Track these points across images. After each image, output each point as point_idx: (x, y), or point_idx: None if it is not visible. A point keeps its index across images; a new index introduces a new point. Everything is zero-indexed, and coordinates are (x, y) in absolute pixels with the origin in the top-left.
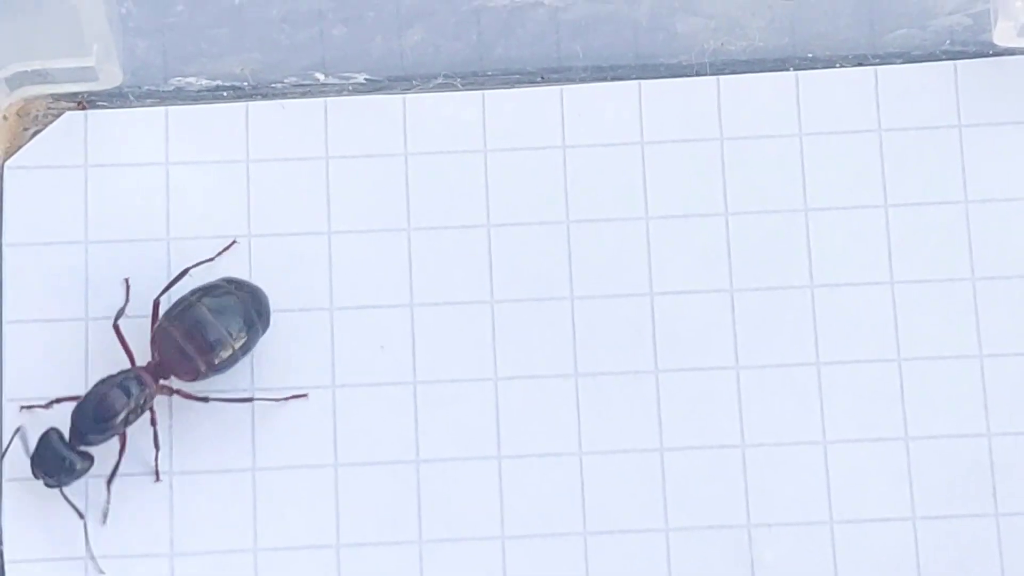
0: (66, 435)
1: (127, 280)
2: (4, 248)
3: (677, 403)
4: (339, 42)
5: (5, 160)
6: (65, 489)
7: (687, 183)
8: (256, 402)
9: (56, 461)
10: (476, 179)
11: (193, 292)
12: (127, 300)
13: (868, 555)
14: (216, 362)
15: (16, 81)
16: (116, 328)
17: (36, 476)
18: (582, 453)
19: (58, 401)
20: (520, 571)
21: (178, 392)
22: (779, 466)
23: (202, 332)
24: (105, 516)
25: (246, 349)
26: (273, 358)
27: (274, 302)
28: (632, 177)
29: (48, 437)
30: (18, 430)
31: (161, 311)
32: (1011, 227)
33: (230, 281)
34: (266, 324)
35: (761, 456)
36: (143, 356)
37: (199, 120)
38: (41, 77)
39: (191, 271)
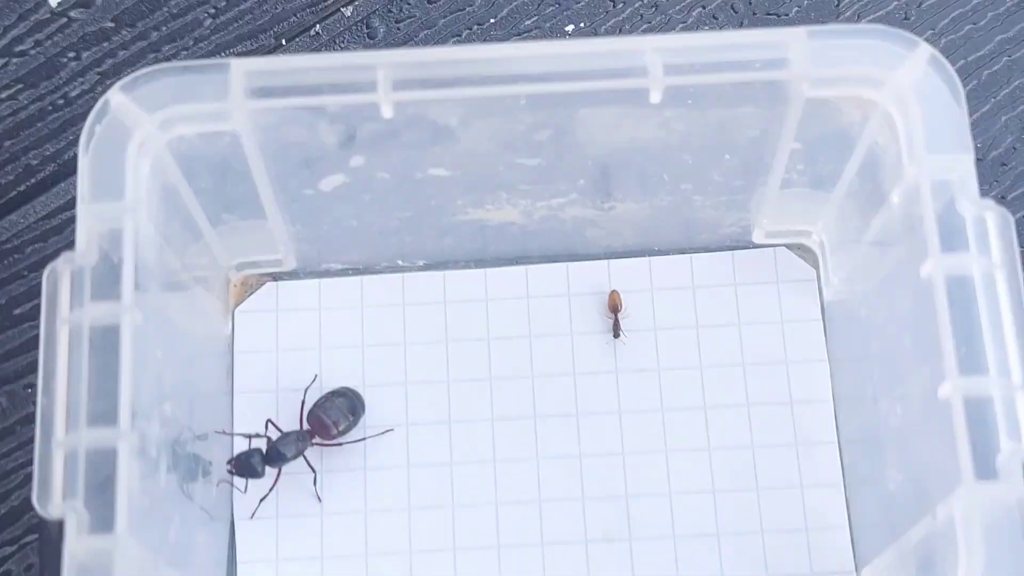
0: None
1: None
2: (236, 354)
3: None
4: (409, 244)
5: (235, 308)
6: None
7: (591, 318)
8: (368, 440)
9: (251, 470)
10: (481, 316)
11: (332, 392)
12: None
13: (690, 509)
14: (341, 429)
15: (241, 267)
16: (303, 404)
17: (229, 465)
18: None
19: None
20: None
21: (321, 444)
22: (644, 464)
23: (331, 413)
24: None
25: (356, 422)
26: (377, 419)
27: (381, 380)
28: (562, 318)
29: (252, 452)
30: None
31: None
32: (762, 334)
33: (347, 388)
34: (364, 409)
35: (634, 460)
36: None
37: (337, 287)
38: (254, 265)
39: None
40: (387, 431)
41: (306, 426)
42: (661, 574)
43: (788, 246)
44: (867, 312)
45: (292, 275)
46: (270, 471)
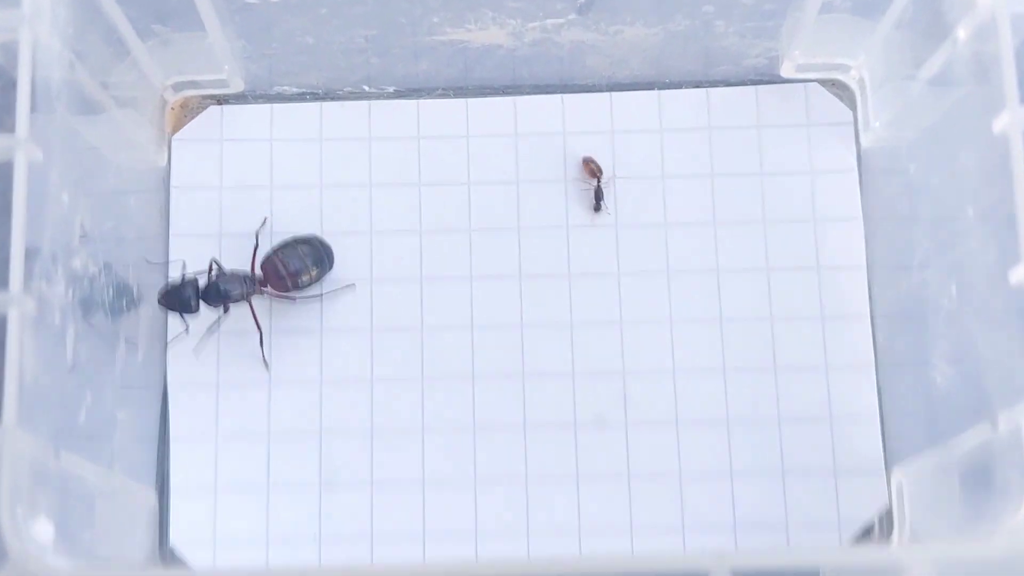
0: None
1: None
2: (171, 190)
3: (584, 293)
4: (376, 67)
5: (172, 135)
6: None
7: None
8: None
9: (179, 299)
10: (460, 154)
11: (295, 238)
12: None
13: (695, 392)
14: (301, 283)
15: (179, 88)
16: (255, 248)
17: (159, 300)
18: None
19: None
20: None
21: (271, 294)
22: (644, 336)
23: (292, 262)
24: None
25: (319, 277)
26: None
27: (337, 227)
28: (555, 156)
29: (187, 282)
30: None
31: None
32: (788, 188)
33: (314, 236)
34: (332, 264)
35: (633, 331)
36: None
37: (291, 113)
38: (194, 86)
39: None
40: (347, 287)
41: (258, 273)
42: (659, 464)
43: (822, 82)
44: (917, 168)
45: (239, 98)
46: (207, 314)
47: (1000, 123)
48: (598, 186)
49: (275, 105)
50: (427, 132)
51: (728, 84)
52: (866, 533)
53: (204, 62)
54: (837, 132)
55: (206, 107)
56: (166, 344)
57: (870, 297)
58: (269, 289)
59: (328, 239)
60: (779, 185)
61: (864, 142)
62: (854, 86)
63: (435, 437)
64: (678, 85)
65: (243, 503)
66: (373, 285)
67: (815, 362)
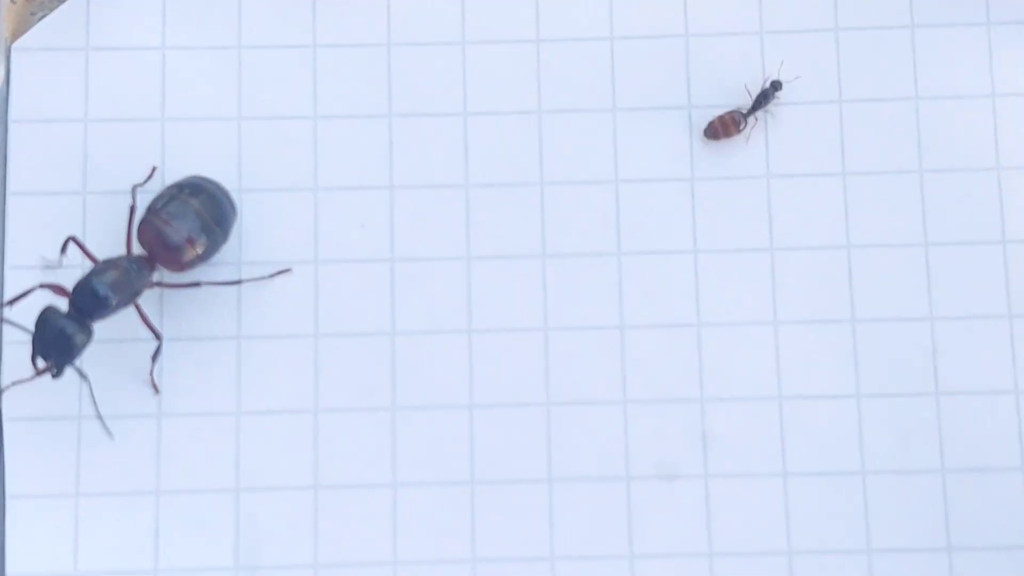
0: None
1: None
2: (10, 124)
3: (638, 284)
4: None
5: (12, 42)
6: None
7: (651, 77)
8: (245, 283)
9: (57, 334)
10: (455, 69)
11: (176, 185)
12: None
13: (814, 430)
14: (199, 251)
15: None
16: (131, 212)
17: (35, 357)
18: (547, 328)
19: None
20: (486, 436)
21: (168, 285)
22: (732, 345)
23: (179, 222)
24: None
25: (222, 239)
26: (261, 235)
27: (263, 180)
28: (600, 69)
29: (46, 314)
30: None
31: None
32: (956, 122)
33: (202, 179)
34: (235, 213)
35: (715, 335)
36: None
37: (195, 7)
38: None
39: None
40: (281, 272)
41: (138, 249)
42: (757, 535)
43: None
44: None
45: None
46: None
47: None
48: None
49: None
50: (402, 36)
51: None
52: None
53: None
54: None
55: (60, 2)
56: None
57: None
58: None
59: (252, 199)
60: (945, 116)
61: None
62: None
63: (410, 496)
64: None
65: None
66: (319, 266)
67: (1000, 384)
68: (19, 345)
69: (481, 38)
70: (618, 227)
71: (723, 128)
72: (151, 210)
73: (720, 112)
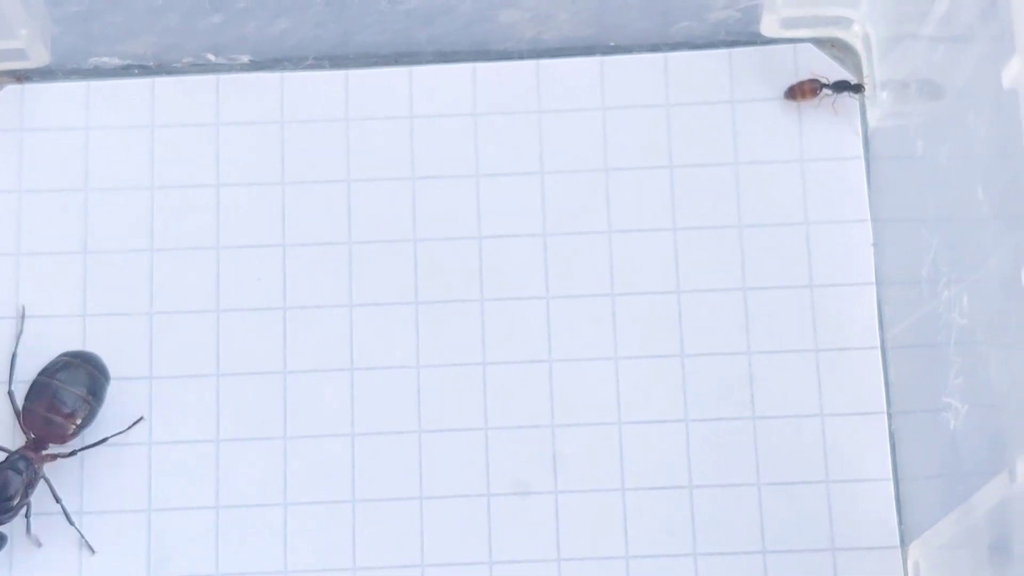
0: None
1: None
2: None
3: (497, 326)
4: (224, 29)
5: None
6: None
7: (510, 148)
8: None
9: None
10: (339, 143)
11: (42, 372)
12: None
13: (648, 450)
14: (79, 423)
15: None
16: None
17: None
18: (419, 366)
19: None
20: (366, 460)
21: (59, 455)
22: (578, 377)
23: (62, 402)
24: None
25: (99, 402)
26: (169, 288)
27: (171, 241)
28: (465, 142)
29: None
30: None
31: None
32: (772, 182)
33: (70, 354)
34: (107, 378)
35: (564, 369)
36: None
37: (113, 93)
38: None
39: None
40: (134, 424)
41: (26, 433)
42: (600, 545)
43: (816, 41)
44: (925, 144)
45: (45, 74)
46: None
47: (1009, 74)
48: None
49: (92, 82)
50: (294, 115)
51: (692, 47)
52: None
53: None
54: (837, 108)
55: (1, 86)
56: None
57: (880, 323)
58: (48, 450)
59: (161, 255)
60: (760, 179)
61: (871, 120)
62: (858, 46)
63: (301, 512)
64: (627, 50)
65: None
66: (220, 315)
67: (807, 409)
68: None
69: (361, 116)
70: (480, 278)
71: (800, 92)
72: (29, 399)
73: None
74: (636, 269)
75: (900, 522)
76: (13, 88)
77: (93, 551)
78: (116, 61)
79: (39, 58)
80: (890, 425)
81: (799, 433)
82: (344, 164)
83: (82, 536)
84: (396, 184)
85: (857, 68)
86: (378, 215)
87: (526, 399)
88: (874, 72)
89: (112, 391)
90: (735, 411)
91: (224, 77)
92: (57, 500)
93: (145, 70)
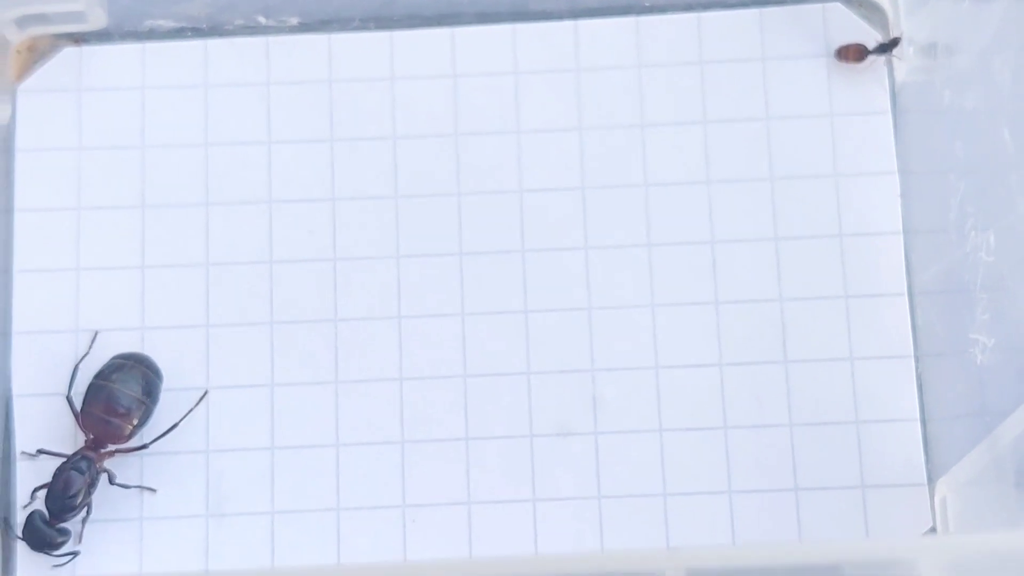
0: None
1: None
2: (16, 153)
3: (539, 275)
4: None
5: (19, 84)
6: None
7: (549, 105)
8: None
9: (40, 539)
10: (384, 101)
11: (97, 376)
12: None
13: (684, 393)
14: (136, 422)
15: (24, 24)
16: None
17: (30, 547)
18: (464, 313)
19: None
20: (414, 403)
21: (119, 451)
22: (617, 324)
23: (117, 403)
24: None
25: (154, 401)
26: (224, 240)
27: (226, 196)
28: (506, 100)
29: (32, 519)
30: (5, 519)
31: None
32: (802, 136)
33: (121, 356)
34: (160, 377)
35: (603, 317)
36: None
37: (168, 54)
38: (43, 21)
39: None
40: (200, 401)
41: (86, 435)
42: (639, 483)
43: (845, 1)
44: (951, 93)
45: (102, 37)
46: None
47: None
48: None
49: (147, 44)
50: (341, 74)
51: (725, 6)
52: None
53: None
54: (865, 65)
55: (60, 48)
56: None
57: (907, 270)
58: (108, 448)
59: (218, 211)
60: (791, 133)
61: (898, 75)
62: (885, 4)
63: (352, 453)
64: (662, 9)
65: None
66: (273, 267)
67: (838, 352)
68: None
69: (406, 75)
70: (522, 230)
71: (849, 55)
72: (87, 402)
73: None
74: (671, 220)
75: (927, 460)
76: (71, 50)
77: (154, 491)
78: (170, 23)
79: (96, 21)
80: (917, 367)
81: (829, 376)
82: (390, 121)
83: (141, 482)
84: (440, 140)
85: (884, 26)
86: (423, 170)
87: (567, 345)
88: (901, 29)
89: (174, 340)
90: (768, 355)
91: (273, 39)
92: (112, 482)
93: (198, 32)
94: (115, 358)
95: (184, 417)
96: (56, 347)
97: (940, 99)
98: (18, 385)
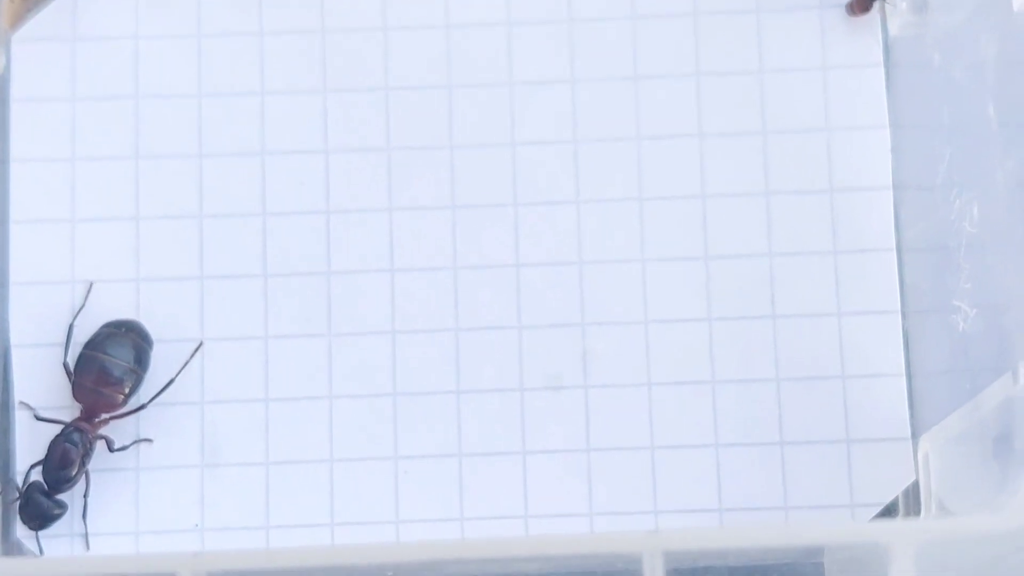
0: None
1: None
2: (11, 103)
3: (531, 230)
4: None
5: (12, 33)
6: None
7: (543, 57)
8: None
9: (39, 511)
10: (377, 52)
11: (87, 345)
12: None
13: (673, 347)
14: (127, 391)
15: None
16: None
17: (23, 521)
18: (456, 267)
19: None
20: (406, 356)
21: (114, 418)
22: (607, 279)
23: (109, 374)
24: (86, 542)
25: (145, 368)
26: (219, 192)
27: (218, 147)
28: (499, 51)
29: (31, 491)
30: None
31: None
32: (794, 89)
33: (113, 324)
34: (150, 343)
35: (594, 271)
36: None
37: (161, 3)
38: None
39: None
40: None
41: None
42: (627, 436)
43: None
44: (941, 58)
45: None
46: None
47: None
48: None
49: None
50: (334, 24)
51: None
52: (887, 515)
53: None
54: (858, 17)
55: None
56: None
57: (896, 226)
58: (102, 417)
59: (210, 161)
60: (784, 86)
61: (891, 29)
62: None
63: (345, 405)
64: None
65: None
66: (267, 219)
67: (825, 307)
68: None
69: (398, 25)
70: (514, 183)
71: (856, 7)
72: (78, 372)
73: None
74: (663, 174)
75: (912, 415)
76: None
77: (150, 441)
78: None
79: None
80: (904, 324)
81: (817, 331)
82: (383, 72)
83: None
84: (432, 92)
85: None
86: (415, 122)
87: (557, 299)
88: None
89: (168, 292)
90: (756, 310)
91: None
92: (111, 450)
93: None
94: (105, 326)
95: (179, 372)
96: (53, 298)
97: (931, 58)
98: (16, 335)
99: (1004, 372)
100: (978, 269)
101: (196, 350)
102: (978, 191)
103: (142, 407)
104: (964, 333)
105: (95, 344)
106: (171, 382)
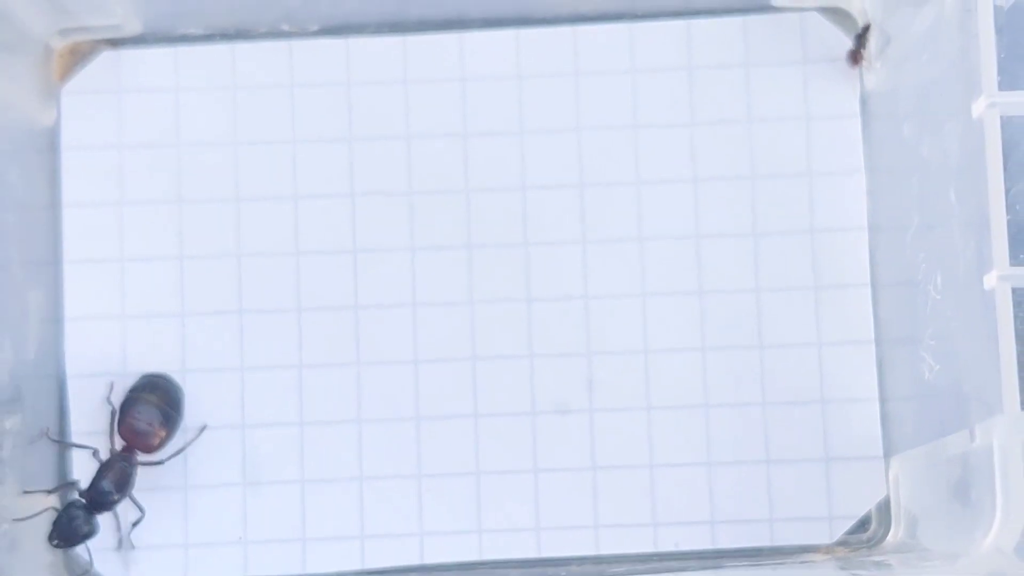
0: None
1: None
2: (62, 151)
3: (541, 269)
4: (296, 1)
5: (62, 86)
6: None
7: (550, 107)
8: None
9: (70, 528)
10: (399, 102)
11: (136, 388)
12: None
13: (670, 374)
14: (164, 434)
15: (66, 33)
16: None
17: (50, 536)
18: (473, 302)
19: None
20: (428, 384)
21: (142, 464)
22: (611, 312)
23: (139, 433)
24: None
25: (179, 415)
26: (253, 233)
27: (254, 191)
28: (510, 101)
29: (70, 506)
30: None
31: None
32: (780, 137)
33: (140, 388)
34: (182, 394)
35: (598, 305)
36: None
37: (198, 58)
38: (84, 30)
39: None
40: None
41: (119, 442)
42: (629, 456)
43: (821, 10)
44: (910, 131)
45: (138, 41)
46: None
47: (978, 108)
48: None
49: (179, 48)
50: (359, 77)
51: (712, 14)
52: (861, 528)
53: (92, 4)
54: (838, 71)
55: (99, 52)
56: None
57: (871, 263)
58: (138, 457)
59: (247, 204)
60: (770, 134)
61: (868, 83)
62: (857, 14)
63: (373, 428)
64: (654, 16)
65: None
66: (300, 257)
67: (807, 338)
68: None
69: (418, 77)
70: (524, 224)
71: (855, 59)
72: (123, 412)
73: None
74: (660, 216)
75: (884, 436)
76: (110, 54)
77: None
78: (200, 31)
79: (132, 28)
80: (877, 352)
81: (799, 359)
82: (404, 121)
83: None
84: (449, 140)
85: (856, 34)
86: (434, 168)
87: (565, 330)
88: (872, 38)
89: (210, 326)
90: (744, 340)
91: (296, 43)
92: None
93: (226, 37)
94: (131, 391)
95: (189, 444)
96: (103, 331)
97: (901, 128)
98: (71, 366)
99: (961, 429)
100: (941, 330)
101: (200, 432)
102: (941, 265)
103: (162, 462)
104: (928, 382)
105: (137, 389)
106: (182, 450)
